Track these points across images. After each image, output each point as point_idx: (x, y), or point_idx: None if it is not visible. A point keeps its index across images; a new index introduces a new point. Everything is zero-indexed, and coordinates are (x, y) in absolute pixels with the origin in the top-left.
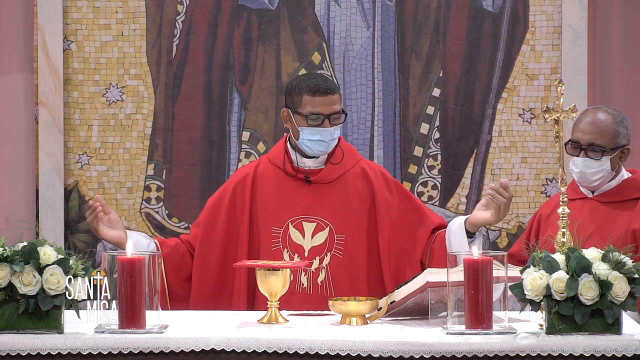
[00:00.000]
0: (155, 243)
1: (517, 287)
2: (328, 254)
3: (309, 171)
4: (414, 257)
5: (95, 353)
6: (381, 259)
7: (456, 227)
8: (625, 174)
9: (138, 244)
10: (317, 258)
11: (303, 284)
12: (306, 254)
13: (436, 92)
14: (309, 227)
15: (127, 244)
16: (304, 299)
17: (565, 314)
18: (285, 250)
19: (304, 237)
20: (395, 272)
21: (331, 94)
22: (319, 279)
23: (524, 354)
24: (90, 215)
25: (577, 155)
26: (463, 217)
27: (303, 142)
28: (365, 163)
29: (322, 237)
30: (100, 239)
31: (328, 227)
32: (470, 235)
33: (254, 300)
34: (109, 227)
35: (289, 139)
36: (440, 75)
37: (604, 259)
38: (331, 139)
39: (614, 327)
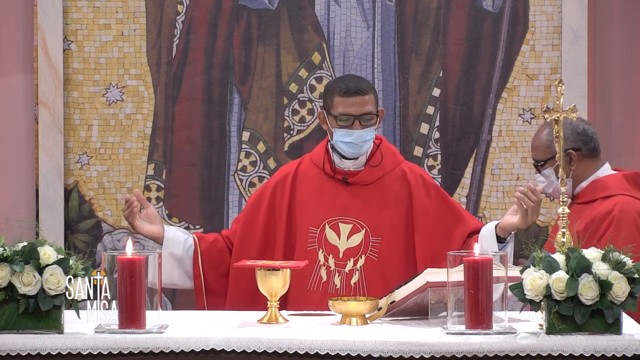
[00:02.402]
0: (194, 238)
1: (517, 287)
2: (362, 256)
3: (347, 172)
4: None
5: (95, 353)
6: (417, 263)
7: (487, 232)
8: (602, 173)
9: (175, 240)
10: (352, 260)
11: (336, 285)
12: (341, 255)
13: (436, 92)
14: (345, 228)
15: (164, 238)
16: None
17: (565, 314)
18: (321, 250)
19: (339, 238)
20: None
21: (362, 95)
22: (353, 281)
23: (524, 354)
24: (127, 210)
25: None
26: (494, 222)
27: (336, 143)
28: (406, 165)
29: (357, 238)
30: (136, 233)
31: (364, 229)
32: (501, 240)
33: (286, 299)
34: (146, 222)
35: (330, 142)
36: (440, 75)
37: (604, 259)
38: (362, 141)
39: (614, 327)
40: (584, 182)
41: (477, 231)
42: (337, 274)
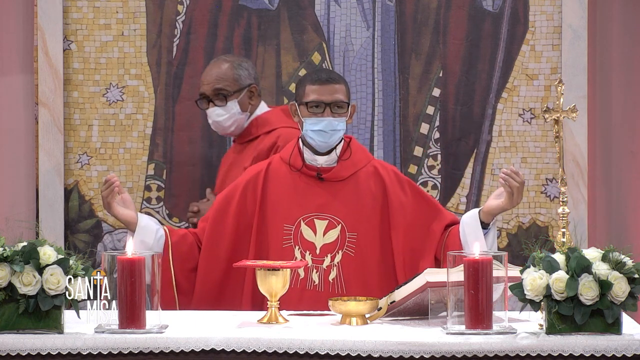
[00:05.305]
0: (165, 230)
1: (517, 287)
2: (340, 251)
3: (321, 169)
4: (428, 254)
5: (95, 353)
6: (394, 258)
7: (470, 219)
8: (260, 111)
9: (147, 228)
10: (329, 256)
11: (314, 282)
12: (317, 252)
13: (436, 92)
14: (320, 224)
15: (137, 225)
16: (316, 296)
17: (565, 314)
18: (297, 247)
19: (315, 234)
20: (410, 270)
21: (333, 83)
22: (331, 277)
23: (524, 354)
24: (106, 190)
25: None
26: (476, 209)
27: (307, 133)
28: (378, 162)
29: (333, 234)
30: (110, 214)
31: (340, 224)
32: (485, 226)
33: (262, 299)
34: (121, 206)
35: (301, 137)
36: (440, 75)
37: (604, 258)
38: (332, 130)
39: (614, 327)
40: (246, 122)
41: (454, 224)
42: (314, 270)
